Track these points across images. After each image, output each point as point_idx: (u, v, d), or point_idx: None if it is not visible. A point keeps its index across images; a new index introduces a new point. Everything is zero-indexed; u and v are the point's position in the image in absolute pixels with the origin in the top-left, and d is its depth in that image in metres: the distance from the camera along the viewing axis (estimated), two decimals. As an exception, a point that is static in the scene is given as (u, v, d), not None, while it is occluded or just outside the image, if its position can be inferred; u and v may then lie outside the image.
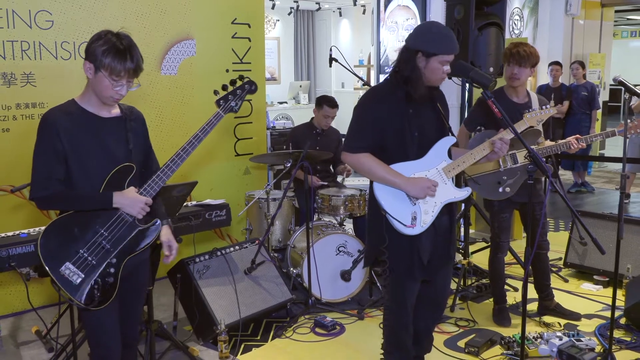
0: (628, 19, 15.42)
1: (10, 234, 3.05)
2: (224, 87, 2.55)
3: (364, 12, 11.92)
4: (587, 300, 4.23)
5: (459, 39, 4.44)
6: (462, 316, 3.93)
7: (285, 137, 6.27)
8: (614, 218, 4.46)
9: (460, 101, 5.54)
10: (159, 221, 2.42)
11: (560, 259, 4.85)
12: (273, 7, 11.38)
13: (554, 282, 4.01)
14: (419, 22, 6.47)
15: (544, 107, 3.41)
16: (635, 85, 3.43)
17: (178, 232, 3.49)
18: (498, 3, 4.69)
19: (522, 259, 4.51)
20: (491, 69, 4.48)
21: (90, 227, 2.27)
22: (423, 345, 3.08)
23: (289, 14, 12.36)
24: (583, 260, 4.65)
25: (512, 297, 4.17)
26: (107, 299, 2.29)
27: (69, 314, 3.21)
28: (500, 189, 3.60)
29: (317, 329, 3.79)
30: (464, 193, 2.81)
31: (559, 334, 3.48)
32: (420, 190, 2.65)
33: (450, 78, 4.59)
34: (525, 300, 2.78)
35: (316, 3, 11.88)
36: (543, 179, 3.82)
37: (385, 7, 7.20)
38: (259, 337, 3.72)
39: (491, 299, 4.00)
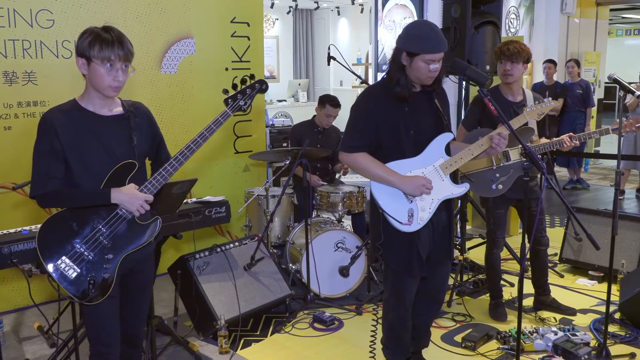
0: (623, 17, 15.46)
1: (12, 231, 3.08)
2: (234, 87, 2.52)
3: (362, 11, 11.96)
4: (582, 295, 4.28)
5: (456, 38, 4.49)
6: (459, 311, 3.97)
7: (284, 135, 6.31)
8: (609, 214, 4.49)
9: (457, 99, 5.58)
10: (159, 219, 2.42)
11: (555, 254, 4.89)
12: (272, 6, 11.40)
13: (550, 277, 4.06)
14: (416, 21, 6.49)
15: (544, 100, 3.41)
16: (630, 83, 3.48)
17: (178, 228, 3.53)
18: (494, 2, 4.73)
19: (519, 255, 4.55)
20: (487, 67, 4.52)
21: (89, 222, 2.28)
22: (421, 340, 3.12)
23: (288, 12, 12.39)
24: (578, 256, 4.70)
25: (508, 293, 4.21)
26: (102, 295, 2.28)
27: (71, 310, 3.25)
28: (493, 186, 3.63)
29: (315, 324, 3.83)
30: (461, 189, 2.82)
31: (554, 328, 3.52)
32: (416, 188, 2.68)
33: (447, 76, 4.65)
34: (521, 295, 2.79)
35: (315, 2, 11.90)
36: (538, 175, 3.86)
37: (383, 6, 7.24)
38: (258, 332, 3.76)
39: (487, 294, 4.03)
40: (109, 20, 4.20)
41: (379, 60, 7.38)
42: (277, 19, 12.41)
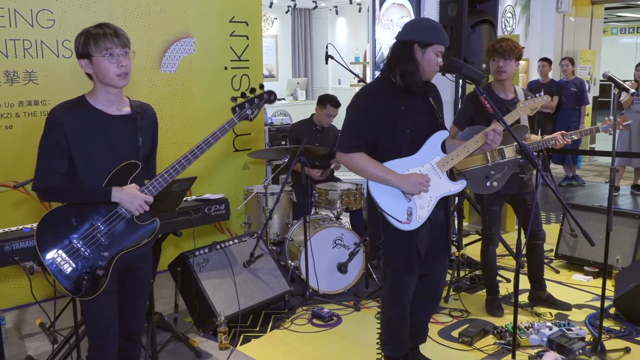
0: (618, 15, 15.49)
1: (13, 228, 3.11)
2: (243, 95, 2.52)
3: (359, 10, 11.99)
4: (577, 290, 4.32)
5: (452, 36, 4.52)
6: (455, 307, 4.01)
7: (283, 133, 6.35)
8: (604, 210, 4.53)
9: (454, 97, 5.62)
10: (157, 220, 2.43)
11: (551, 250, 4.92)
12: (271, 6, 11.42)
13: (546, 273, 4.10)
14: (413, 20, 6.54)
15: (536, 95, 3.41)
16: (625, 81, 3.51)
17: (178, 226, 3.56)
18: (490, 1, 4.76)
19: (515, 251, 4.60)
20: (484, 66, 4.55)
21: (88, 219, 2.30)
22: (419, 336, 3.15)
23: (287, 12, 12.42)
24: (574, 252, 4.74)
25: (505, 288, 4.25)
26: (95, 291, 2.30)
27: (72, 307, 3.28)
28: (488, 183, 3.67)
29: (314, 320, 3.86)
30: (458, 186, 2.84)
31: (549, 323, 3.56)
32: (414, 186, 2.69)
33: (443, 74, 4.68)
34: (517, 291, 2.83)
35: (313, 1, 11.92)
36: (532, 171, 3.90)
37: (381, 5, 7.28)
38: (257, 328, 3.79)
39: (484, 290, 4.07)
40: (109, 20, 4.20)
41: (376, 58, 7.43)
42: (276, 18, 12.44)
